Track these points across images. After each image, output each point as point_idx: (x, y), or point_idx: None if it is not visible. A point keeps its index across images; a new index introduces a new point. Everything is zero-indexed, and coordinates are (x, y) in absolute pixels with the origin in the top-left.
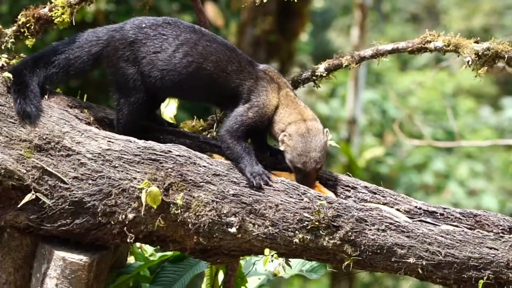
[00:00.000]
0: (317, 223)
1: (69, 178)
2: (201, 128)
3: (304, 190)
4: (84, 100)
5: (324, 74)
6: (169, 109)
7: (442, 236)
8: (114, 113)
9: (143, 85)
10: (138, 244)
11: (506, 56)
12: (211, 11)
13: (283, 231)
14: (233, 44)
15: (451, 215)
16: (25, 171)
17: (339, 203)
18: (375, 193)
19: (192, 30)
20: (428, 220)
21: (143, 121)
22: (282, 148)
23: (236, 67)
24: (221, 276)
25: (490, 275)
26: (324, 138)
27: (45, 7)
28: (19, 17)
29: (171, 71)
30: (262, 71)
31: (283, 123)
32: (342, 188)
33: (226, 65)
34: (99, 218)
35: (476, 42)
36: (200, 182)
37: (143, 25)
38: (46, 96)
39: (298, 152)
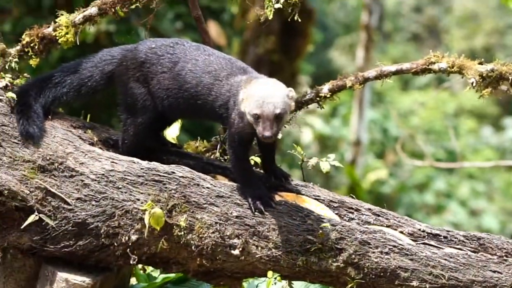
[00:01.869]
0: (320, 245)
1: (73, 199)
2: (204, 149)
3: (308, 212)
4: (88, 120)
5: (328, 95)
6: (171, 130)
7: (445, 259)
8: (118, 134)
9: (151, 106)
10: (140, 266)
11: (510, 77)
12: (214, 30)
13: (286, 253)
14: (231, 56)
15: (455, 238)
16: (28, 192)
17: (343, 226)
18: (378, 215)
19: (196, 48)
20: (432, 243)
21: (147, 142)
22: (242, 107)
23: (227, 72)
24: None
25: None
26: (285, 90)
27: (49, 26)
28: (23, 36)
29: (175, 89)
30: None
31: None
32: (346, 210)
33: (220, 73)
34: (102, 240)
35: (480, 63)
36: (204, 204)
37: (153, 46)
38: (49, 117)
39: (255, 98)
